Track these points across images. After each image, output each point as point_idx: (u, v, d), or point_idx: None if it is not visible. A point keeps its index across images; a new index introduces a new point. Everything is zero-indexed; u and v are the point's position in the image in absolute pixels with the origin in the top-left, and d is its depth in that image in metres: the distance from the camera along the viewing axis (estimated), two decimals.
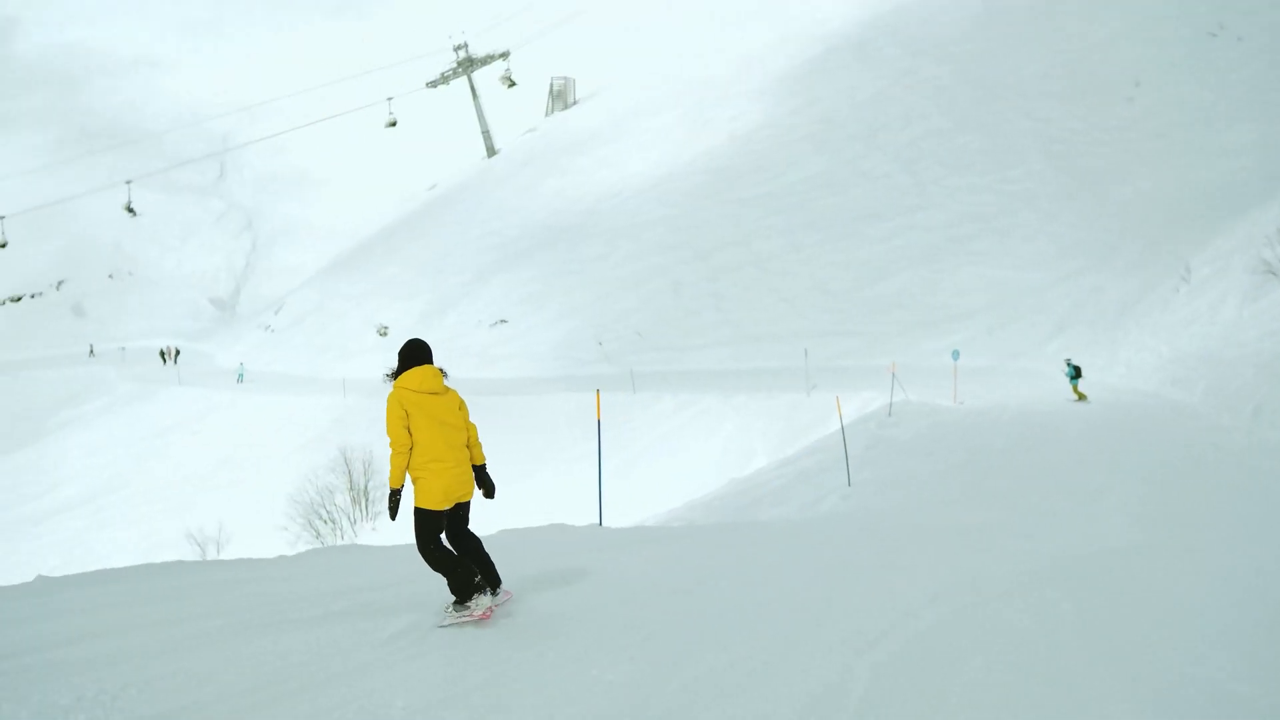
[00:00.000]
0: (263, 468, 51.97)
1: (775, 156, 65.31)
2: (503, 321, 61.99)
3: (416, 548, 8.34)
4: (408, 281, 73.43)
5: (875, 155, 61.31)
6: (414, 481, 8.24)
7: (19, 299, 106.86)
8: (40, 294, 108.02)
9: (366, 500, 45.05)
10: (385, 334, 68.50)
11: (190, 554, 45.81)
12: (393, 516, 8.15)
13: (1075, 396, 30.58)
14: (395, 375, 8.41)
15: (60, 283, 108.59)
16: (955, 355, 35.77)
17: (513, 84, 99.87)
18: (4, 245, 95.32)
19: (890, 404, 28.15)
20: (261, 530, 44.45)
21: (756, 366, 48.70)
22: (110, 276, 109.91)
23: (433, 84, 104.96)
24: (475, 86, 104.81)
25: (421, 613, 8.42)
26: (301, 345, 74.55)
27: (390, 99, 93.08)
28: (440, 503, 8.19)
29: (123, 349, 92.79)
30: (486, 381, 55.87)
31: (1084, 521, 13.90)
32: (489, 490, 8.82)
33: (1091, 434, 22.82)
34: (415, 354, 8.41)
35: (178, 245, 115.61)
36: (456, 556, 8.38)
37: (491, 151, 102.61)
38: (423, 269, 74.18)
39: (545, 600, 8.93)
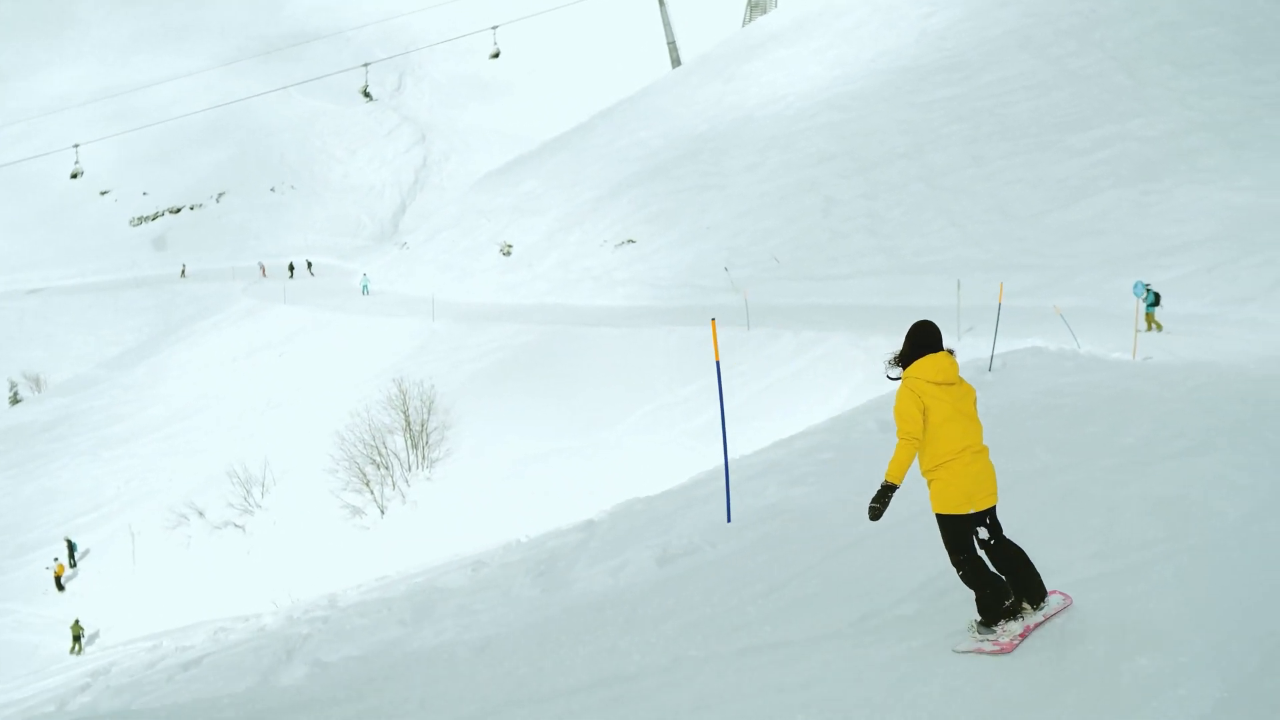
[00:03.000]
0: (332, 397, 45.58)
1: (969, 55, 54.52)
2: (629, 241, 53.48)
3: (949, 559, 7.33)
4: (542, 196, 65.93)
5: (1091, 52, 49.90)
6: (929, 484, 7.28)
7: (178, 210, 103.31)
8: (200, 205, 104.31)
9: (426, 443, 38.23)
10: (509, 253, 60.79)
11: (233, 496, 40.69)
12: (876, 516, 7.14)
13: (1148, 327, 27.28)
14: (903, 360, 7.42)
15: (220, 195, 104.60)
16: (1138, 289, 25.36)
17: None
18: (76, 175, 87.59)
19: (992, 355, 18.24)
20: (312, 472, 38.44)
21: (910, 303, 38.84)
22: (272, 190, 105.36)
23: None
24: None
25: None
26: (428, 263, 68.31)
27: (495, 28, 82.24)
28: (961, 505, 7.13)
29: (260, 264, 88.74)
30: (593, 310, 47.92)
31: None
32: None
33: None
34: (927, 339, 7.40)
35: (345, 158, 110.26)
36: (989, 573, 7.24)
37: (676, 63, 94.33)
38: (559, 183, 66.50)
39: None
